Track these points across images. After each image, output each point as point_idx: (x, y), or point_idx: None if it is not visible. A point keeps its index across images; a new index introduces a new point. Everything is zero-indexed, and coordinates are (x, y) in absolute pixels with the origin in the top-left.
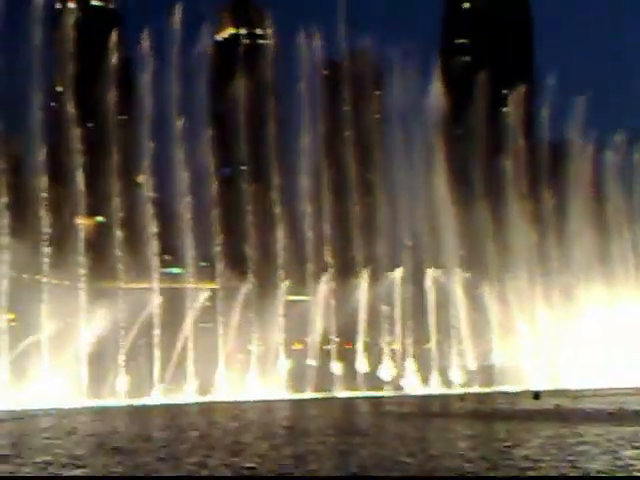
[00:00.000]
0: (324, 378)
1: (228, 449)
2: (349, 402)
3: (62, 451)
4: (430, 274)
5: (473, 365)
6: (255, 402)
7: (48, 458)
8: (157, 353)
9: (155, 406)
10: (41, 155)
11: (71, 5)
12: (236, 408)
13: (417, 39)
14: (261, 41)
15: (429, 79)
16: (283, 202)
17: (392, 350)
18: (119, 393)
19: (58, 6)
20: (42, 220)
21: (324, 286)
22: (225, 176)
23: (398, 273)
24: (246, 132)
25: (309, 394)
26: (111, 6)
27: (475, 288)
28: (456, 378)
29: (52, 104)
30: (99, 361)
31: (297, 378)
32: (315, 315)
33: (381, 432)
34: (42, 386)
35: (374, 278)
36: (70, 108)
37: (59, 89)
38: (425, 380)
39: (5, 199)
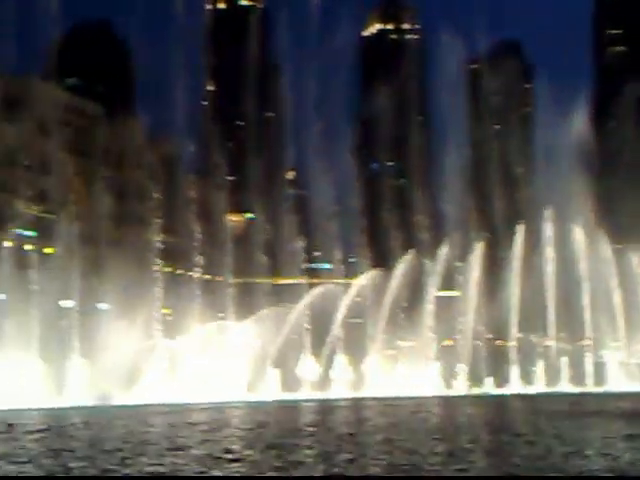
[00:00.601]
0: (475, 375)
1: (378, 447)
2: (502, 400)
3: (216, 445)
4: (585, 266)
5: (631, 361)
6: (405, 398)
7: (205, 452)
8: (307, 348)
9: (304, 401)
10: (191, 154)
11: (221, 5)
12: (387, 404)
13: (566, 30)
14: (408, 36)
15: (580, 71)
16: (429, 198)
17: (546, 347)
18: (272, 388)
19: (208, 7)
20: (193, 217)
21: (473, 281)
22: (373, 172)
23: (550, 267)
24: (393, 128)
25: (460, 391)
26: (260, 5)
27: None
28: (612, 375)
29: (203, 103)
30: (255, 356)
31: (448, 374)
32: (466, 311)
33: (536, 431)
34: (201, 379)
35: (527, 272)
36: (220, 107)
37: (209, 88)
38: (579, 378)
39: (159, 197)
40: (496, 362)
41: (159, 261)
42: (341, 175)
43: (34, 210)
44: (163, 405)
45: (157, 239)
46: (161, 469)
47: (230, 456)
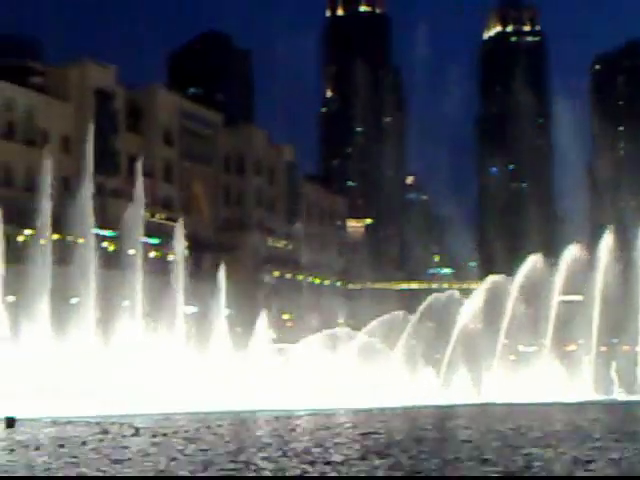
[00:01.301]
0: (601, 381)
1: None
2: (630, 406)
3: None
4: None
5: None
6: (526, 405)
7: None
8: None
9: (432, 407)
10: (311, 160)
11: (340, 13)
12: (510, 410)
13: None
14: (528, 38)
15: None
16: (549, 201)
17: None
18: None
19: (327, 14)
20: (311, 222)
21: (597, 285)
22: (493, 176)
23: None
24: (513, 131)
25: (586, 397)
26: (379, 11)
27: None
28: None
29: (322, 109)
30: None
31: (572, 380)
32: (590, 315)
33: None
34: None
35: None
36: (339, 113)
37: (328, 94)
38: None
39: (281, 204)
40: (622, 368)
41: (278, 266)
42: (460, 179)
43: (157, 217)
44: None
45: (276, 244)
46: None
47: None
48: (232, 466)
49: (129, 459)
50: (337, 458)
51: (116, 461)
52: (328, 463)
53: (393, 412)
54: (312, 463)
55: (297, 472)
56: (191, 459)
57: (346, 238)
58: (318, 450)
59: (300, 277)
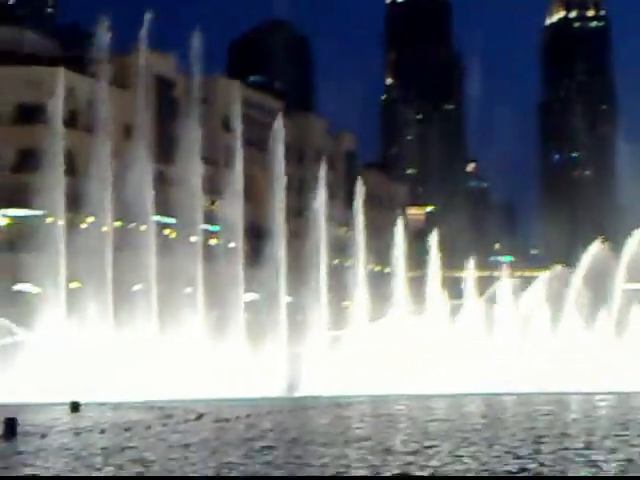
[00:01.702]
0: None
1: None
2: None
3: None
4: None
5: None
6: (582, 393)
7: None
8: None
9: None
10: (371, 147)
11: (400, 0)
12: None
13: None
14: (592, 23)
15: None
16: (613, 189)
17: None
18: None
19: (387, 0)
20: (371, 209)
21: None
22: (555, 163)
23: None
24: (576, 117)
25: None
26: None
27: None
28: None
29: (382, 97)
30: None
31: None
32: None
33: None
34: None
35: None
36: (399, 100)
37: (389, 82)
38: None
39: (340, 191)
40: None
41: (338, 253)
42: (522, 167)
43: (218, 205)
44: (363, 396)
45: (337, 232)
46: None
47: None
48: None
49: (190, 444)
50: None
51: (179, 446)
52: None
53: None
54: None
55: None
56: (250, 444)
57: (406, 226)
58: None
59: (360, 264)
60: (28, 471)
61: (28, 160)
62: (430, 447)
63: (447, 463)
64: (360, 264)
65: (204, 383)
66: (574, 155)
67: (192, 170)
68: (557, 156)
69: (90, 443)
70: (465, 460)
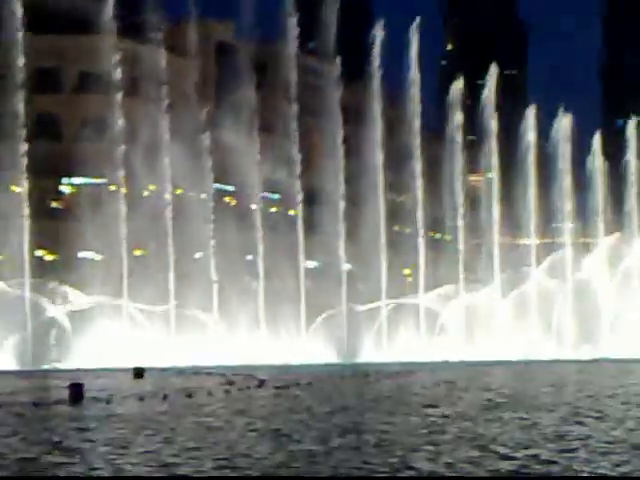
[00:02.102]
0: None
1: None
2: None
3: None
4: None
5: None
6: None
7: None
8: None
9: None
10: (430, 113)
11: None
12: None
13: None
14: None
15: None
16: None
17: None
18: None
19: None
20: (432, 177)
21: None
22: (619, 128)
23: None
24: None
25: None
26: None
27: None
28: None
29: (442, 62)
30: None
31: None
32: None
33: None
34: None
35: None
36: (459, 65)
37: (449, 47)
38: None
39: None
40: None
41: (398, 221)
42: (584, 132)
43: (277, 172)
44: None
45: (397, 199)
46: None
47: None
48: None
49: (249, 410)
50: None
51: (240, 412)
52: None
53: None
54: None
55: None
56: (310, 412)
57: (466, 192)
58: None
59: (420, 232)
60: (90, 435)
61: (90, 129)
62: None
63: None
64: (420, 231)
65: (265, 350)
66: (639, 120)
67: (252, 137)
68: (620, 121)
69: (154, 409)
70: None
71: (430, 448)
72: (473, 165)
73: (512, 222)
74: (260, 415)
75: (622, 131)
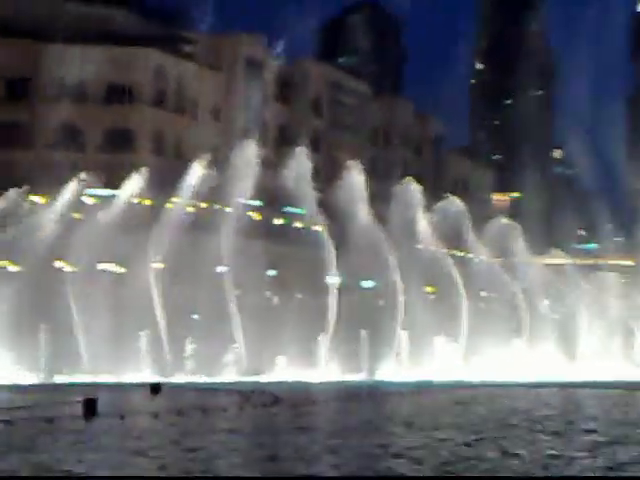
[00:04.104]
0: None
1: None
2: None
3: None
4: None
5: None
6: None
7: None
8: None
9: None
10: (458, 132)
11: None
12: None
13: None
14: None
15: None
16: None
17: None
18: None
19: None
20: (457, 195)
21: None
22: None
23: None
24: None
25: None
26: None
27: None
28: None
29: (472, 81)
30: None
31: None
32: None
33: None
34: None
35: None
36: (488, 85)
37: (479, 67)
38: None
39: (427, 176)
40: None
41: (423, 239)
42: (610, 154)
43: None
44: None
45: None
46: None
47: None
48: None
49: (261, 429)
50: None
51: (246, 433)
52: None
53: None
54: None
55: None
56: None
57: (492, 211)
58: None
59: (443, 250)
60: (94, 452)
61: (116, 140)
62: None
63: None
64: (441, 249)
65: (285, 367)
66: None
67: (280, 152)
68: None
69: (168, 425)
70: None
71: None
72: (499, 184)
73: (535, 242)
74: (246, 432)
75: None
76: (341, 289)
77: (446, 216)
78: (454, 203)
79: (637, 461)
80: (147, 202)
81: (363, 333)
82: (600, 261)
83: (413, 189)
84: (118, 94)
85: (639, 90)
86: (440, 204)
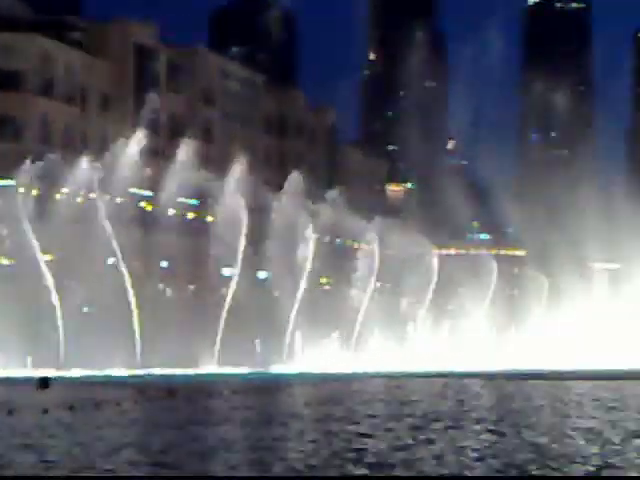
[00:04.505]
0: None
1: None
2: None
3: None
4: None
5: None
6: None
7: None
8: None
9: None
10: (352, 123)
11: None
12: None
13: None
14: (574, 5)
15: None
16: (593, 167)
17: None
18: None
19: None
20: (352, 186)
21: None
22: (533, 142)
23: None
24: (555, 97)
25: None
26: None
27: None
28: None
29: (365, 72)
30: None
31: None
32: None
33: None
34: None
35: None
36: (381, 76)
37: (372, 57)
38: None
39: (321, 167)
40: None
41: (317, 230)
42: (500, 145)
43: (197, 178)
44: None
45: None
46: None
47: None
48: None
49: (156, 422)
50: None
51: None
52: None
53: None
54: None
55: None
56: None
57: (386, 202)
58: None
59: (338, 241)
60: None
61: (1, 128)
62: None
63: None
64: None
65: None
66: (552, 134)
67: (171, 142)
68: (535, 135)
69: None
70: None
71: None
72: (393, 175)
73: (429, 231)
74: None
75: (537, 144)
76: (236, 280)
77: (336, 206)
78: (345, 193)
79: None
80: (34, 192)
81: (257, 325)
82: (493, 251)
83: (298, 179)
84: (2, 81)
85: (527, 77)
86: (330, 194)
